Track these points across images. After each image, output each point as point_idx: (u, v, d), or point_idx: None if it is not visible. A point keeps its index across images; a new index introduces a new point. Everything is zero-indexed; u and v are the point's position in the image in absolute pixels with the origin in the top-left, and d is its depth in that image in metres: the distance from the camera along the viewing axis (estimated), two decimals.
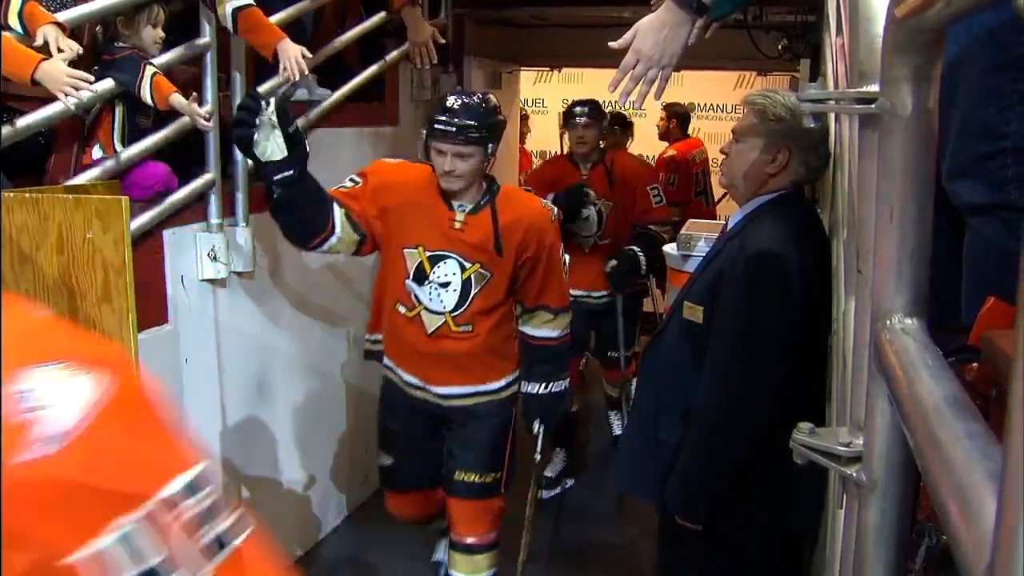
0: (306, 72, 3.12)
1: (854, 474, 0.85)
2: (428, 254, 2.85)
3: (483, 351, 2.95)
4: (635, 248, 4.36)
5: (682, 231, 4.12)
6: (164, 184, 2.98)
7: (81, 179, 2.71)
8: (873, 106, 0.79)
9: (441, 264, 2.86)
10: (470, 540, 3.10)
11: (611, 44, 1.91)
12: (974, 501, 0.48)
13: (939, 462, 0.54)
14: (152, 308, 2.87)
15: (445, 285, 2.86)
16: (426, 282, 2.86)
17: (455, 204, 2.85)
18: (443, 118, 2.72)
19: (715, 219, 6.10)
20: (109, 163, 2.81)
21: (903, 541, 0.85)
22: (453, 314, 2.89)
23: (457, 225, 2.84)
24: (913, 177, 0.77)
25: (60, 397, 0.74)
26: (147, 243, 2.90)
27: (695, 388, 2.24)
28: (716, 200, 7.05)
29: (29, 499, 0.75)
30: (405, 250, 2.86)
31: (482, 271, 2.86)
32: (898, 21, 0.76)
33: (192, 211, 3.11)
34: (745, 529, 2.30)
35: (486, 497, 3.08)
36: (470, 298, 2.87)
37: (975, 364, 1.08)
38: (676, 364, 2.35)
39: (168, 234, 2.99)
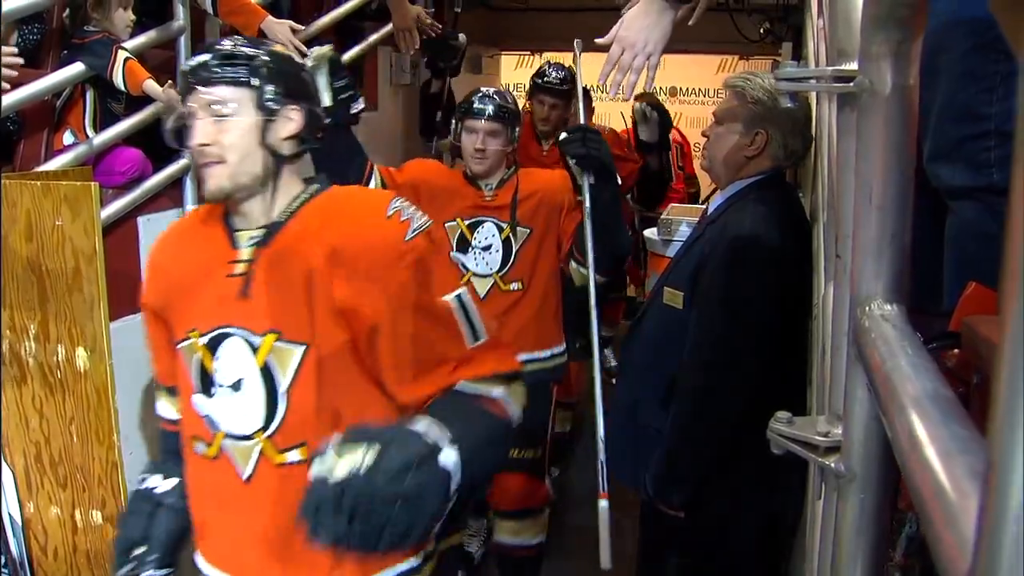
0: (305, 51, 3.06)
1: (832, 464, 0.82)
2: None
3: None
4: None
5: (663, 215, 4.10)
6: (138, 170, 2.93)
7: (52, 165, 2.66)
8: (852, 84, 0.77)
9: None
10: None
11: (598, 40, 1.92)
12: (954, 499, 0.45)
13: (917, 456, 0.52)
14: (127, 296, 2.81)
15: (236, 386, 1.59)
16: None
17: None
18: None
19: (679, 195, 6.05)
20: (81, 149, 2.75)
21: (882, 532, 0.83)
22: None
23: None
24: (893, 157, 0.75)
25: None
26: (121, 230, 2.85)
27: (676, 373, 2.23)
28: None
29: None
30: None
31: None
32: None
33: (167, 197, 3.06)
34: (727, 514, 2.29)
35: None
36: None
37: (956, 350, 1.07)
38: (657, 349, 2.34)
39: (143, 220, 2.94)
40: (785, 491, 2.18)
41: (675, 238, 3.68)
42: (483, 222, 2.93)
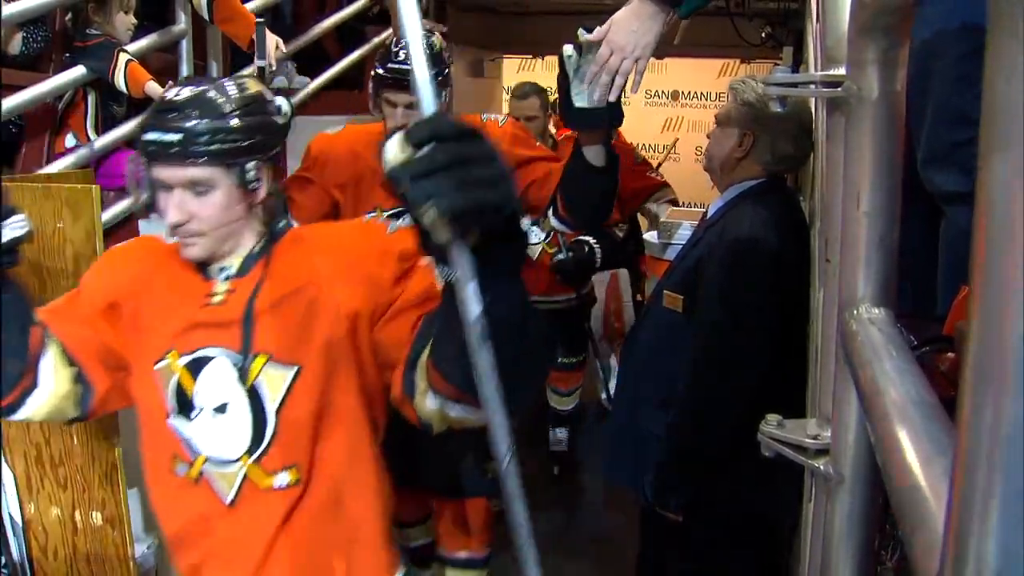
0: (284, 68, 3.10)
1: (821, 467, 0.83)
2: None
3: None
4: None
5: (663, 219, 4.09)
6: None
7: (54, 168, 2.67)
8: (839, 89, 0.77)
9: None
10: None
11: (587, 37, 1.89)
12: (930, 500, 0.46)
13: (896, 458, 0.53)
14: None
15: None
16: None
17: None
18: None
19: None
20: (83, 151, 2.77)
21: (871, 535, 0.83)
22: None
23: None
24: (880, 162, 0.76)
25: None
26: (123, 232, 2.86)
27: (675, 377, 2.23)
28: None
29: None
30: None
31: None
32: (864, 4, 0.74)
33: None
34: (727, 516, 2.29)
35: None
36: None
37: (950, 354, 1.07)
38: (656, 352, 2.34)
39: (144, 223, 2.95)
40: (784, 493, 2.18)
41: (674, 241, 3.67)
42: (207, 360, 1.54)
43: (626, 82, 1.86)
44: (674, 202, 4.52)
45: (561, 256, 3.69)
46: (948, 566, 0.36)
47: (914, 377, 0.64)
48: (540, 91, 3.88)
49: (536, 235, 3.70)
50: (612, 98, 1.81)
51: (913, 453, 0.52)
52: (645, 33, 1.77)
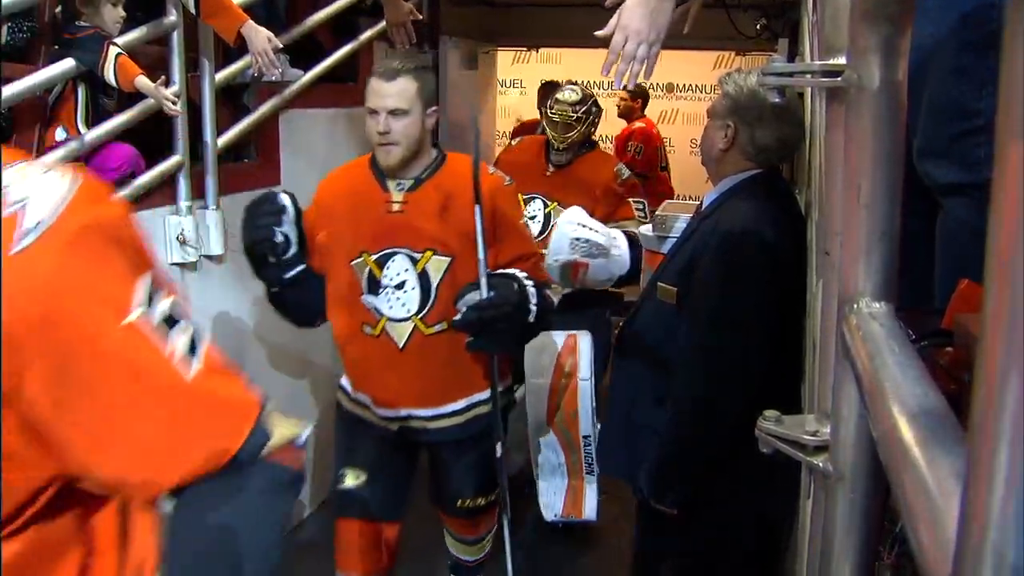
0: (277, 66, 3.06)
1: (820, 464, 0.81)
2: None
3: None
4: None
5: (658, 212, 4.06)
6: (131, 166, 2.91)
7: (44, 161, 2.64)
8: (839, 79, 0.75)
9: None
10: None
11: (597, 33, 1.87)
12: (938, 500, 0.45)
13: (901, 456, 0.51)
14: None
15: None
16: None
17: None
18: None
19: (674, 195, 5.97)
20: (73, 145, 2.74)
21: (871, 532, 0.82)
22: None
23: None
24: (881, 153, 0.74)
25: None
26: None
27: (671, 370, 2.22)
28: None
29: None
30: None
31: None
32: None
33: (160, 194, 3.04)
34: (724, 512, 2.28)
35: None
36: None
37: (949, 348, 1.06)
38: (652, 346, 2.33)
39: (135, 217, 2.92)
40: (783, 490, 2.17)
41: (671, 234, 3.64)
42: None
43: (642, 69, 1.83)
44: (630, 236, 3.73)
45: (468, 302, 2.37)
46: (964, 567, 0.35)
47: (917, 372, 0.62)
48: (422, 70, 2.54)
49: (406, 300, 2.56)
50: (631, 86, 1.81)
51: (919, 450, 0.51)
52: (659, 16, 1.76)
